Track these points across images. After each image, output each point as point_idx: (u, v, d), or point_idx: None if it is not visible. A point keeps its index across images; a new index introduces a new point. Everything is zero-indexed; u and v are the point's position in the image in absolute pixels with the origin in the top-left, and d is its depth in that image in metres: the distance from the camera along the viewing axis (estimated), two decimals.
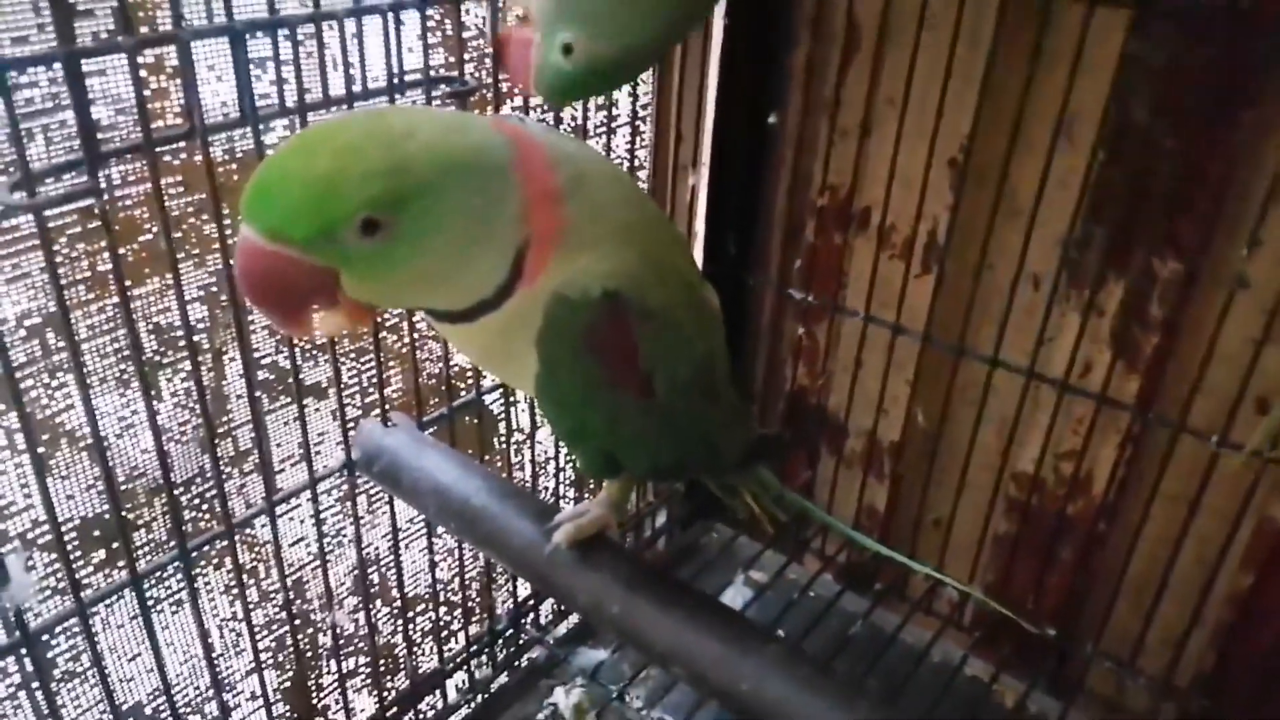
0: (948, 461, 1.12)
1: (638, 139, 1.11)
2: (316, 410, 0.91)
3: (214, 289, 0.80)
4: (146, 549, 0.83)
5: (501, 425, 1.09)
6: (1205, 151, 0.87)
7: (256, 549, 0.91)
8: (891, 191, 1.04)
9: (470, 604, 1.11)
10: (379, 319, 0.89)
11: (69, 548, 0.77)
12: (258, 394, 0.86)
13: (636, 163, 1.12)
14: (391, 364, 0.96)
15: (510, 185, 0.54)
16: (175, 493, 0.82)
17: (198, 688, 0.90)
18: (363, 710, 1.03)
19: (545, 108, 0.96)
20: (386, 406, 0.86)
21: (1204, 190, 0.88)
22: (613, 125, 1.05)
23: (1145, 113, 0.89)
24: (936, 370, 1.09)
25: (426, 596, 1.06)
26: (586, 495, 1.25)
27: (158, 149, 0.63)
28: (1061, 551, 1.08)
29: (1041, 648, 1.10)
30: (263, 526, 0.86)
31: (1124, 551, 1.01)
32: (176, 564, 0.75)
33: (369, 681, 1.03)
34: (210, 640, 0.83)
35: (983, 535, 1.12)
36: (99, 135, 0.68)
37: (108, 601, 0.76)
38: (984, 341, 1.03)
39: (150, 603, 0.83)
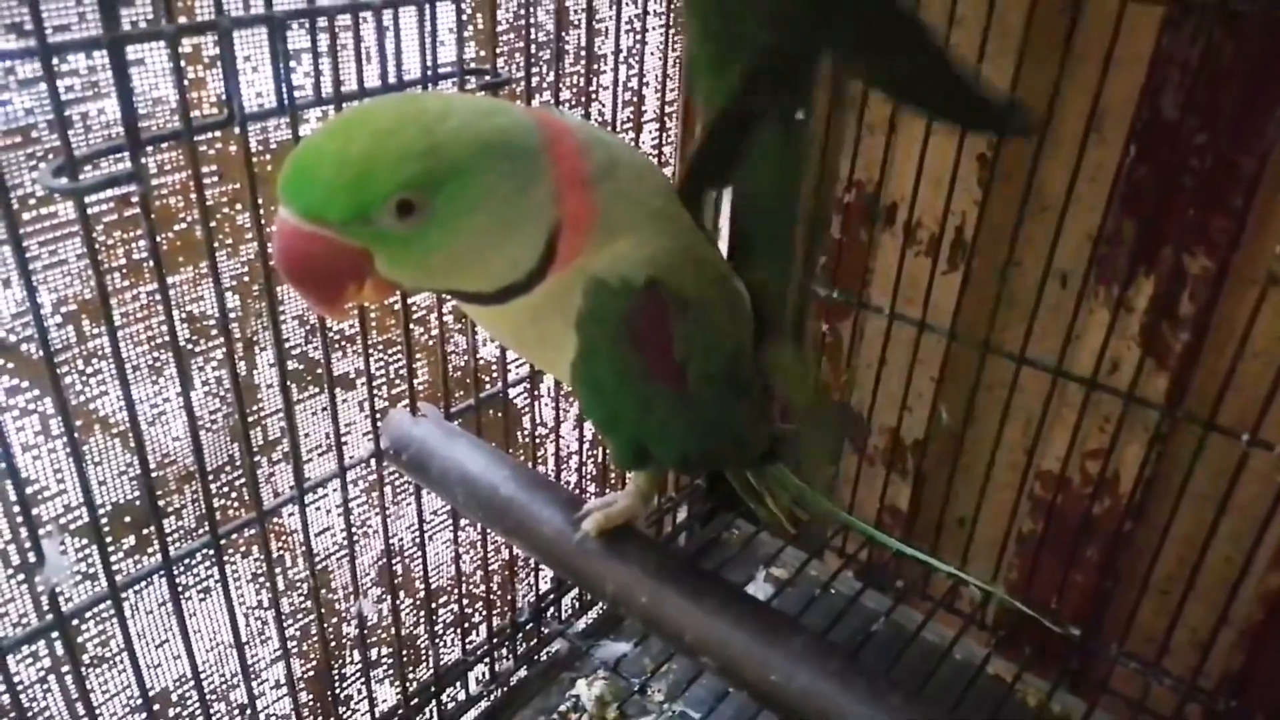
0: (972, 460, 1.11)
1: (664, 135, 1.11)
2: (344, 401, 0.91)
3: (246, 279, 0.81)
4: (176, 536, 0.84)
5: (526, 419, 1.09)
6: (1237, 147, 0.86)
7: (284, 537, 0.91)
8: (919, 187, 1.04)
9: (492, 596, 1.11)
10: (408, 311, 0.89)
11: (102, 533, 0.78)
12: (289, 383, 0.87)
13: (663, 158, 1.12)
14: (418, 356, 0.96)
15: (542, 169, 0.54)
16: (207, 480, 0.83)
17: (223, 675, 0.91)
18: (385, 701, 1.03)
19: (574, 103, 0.97)
20: (407, 399, 0.86)
21: (1235, 186, 0.87)
22: (641, 120, 1.05)
23: (1177, 109, 0.88)
24: (962, 368, 1.08)
25: (450, 588, 1.06)
26: (609, 489, 1.25)
27: (196, 137, 0.63)
28: (1087, 551, 1.08)
29: (1065, 648, 1.09)
30: (290, 515, 0.87)
31: (1150, 551, 1.01)
32: (206, 550, 0.76)
33: (391, 672, 1.04)
34: (238, 627, 0.84)
35: (1007, 534, 1.12)
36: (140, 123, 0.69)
37: (138, 587, 0.77)
38: (1011, 339, 1.03)
39: (180, 589, 0.84)
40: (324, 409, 0.85)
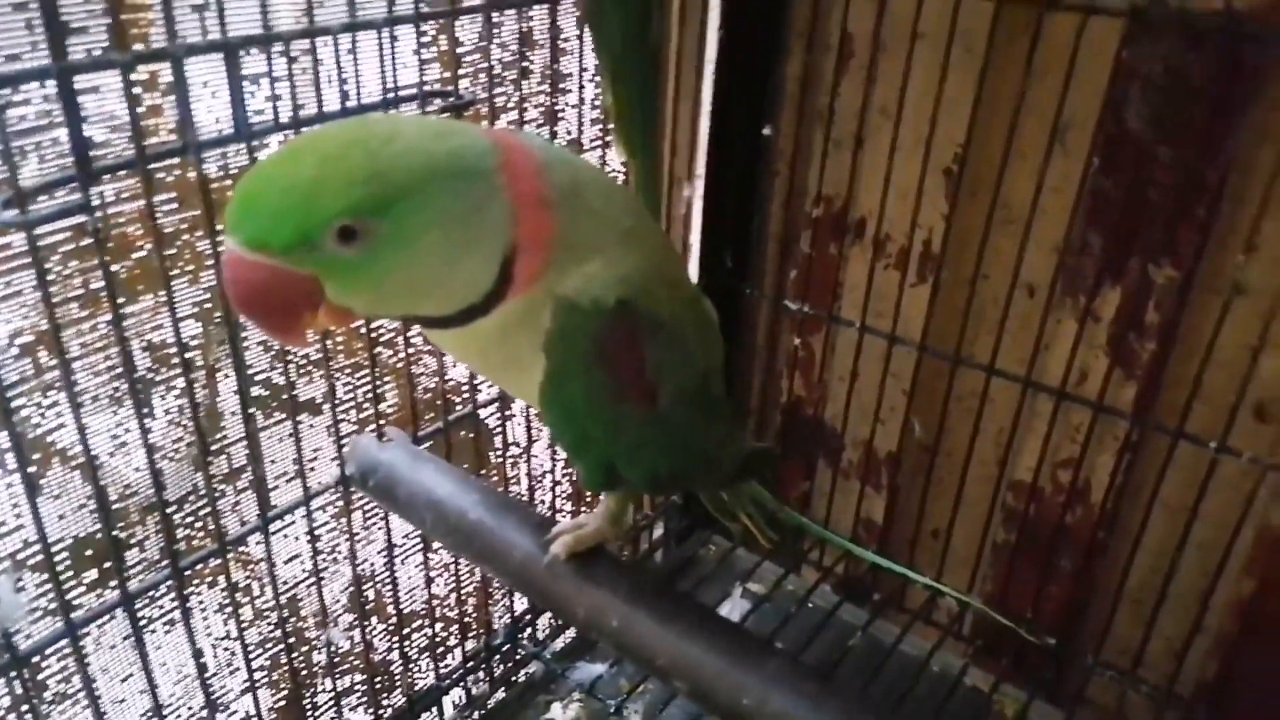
0: (945, 472, 1.11)
1: None
2: (311, 426, 0.90)
3: (208, 305, 0.80)
4: (140, 567, 0.83)
5: (497, 439, 1.09)
6: (1200, 158, 0.87)
7: (251, 566, 0.90)
8: (886, 202, 1.04)
9: (467, 619, 1.10)
10: (373, 334, 0.88)
11: (61, 568, 0.77)
12: (252, 410, 0.86)
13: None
14: (387, 379, 0.96)
15: (495, 190, 0.53)
16: (168, 511, 0.82)
17: (191, 708, 0.89)
18: None
19: (540, 123, 0.97)
20: (382, 421, 0.85)
21: (1200, 197, 0.88)
22: (608, 139, 1.05)
23: (1140, 121, 0.89)
24: (933, 380, 1.09)
25: (423, 612, 1.05)
26: (583, 510, 1.24)
27: (151, 165, 0.62)
28: (1061, 561, 1.08)
29: (1042, 658, 1.09)
30: (257, 544, 0.85)
31: (1124, 560, 1.01)
32: (169, 583, 0.74)
33: (365, 699, 1.02)
34: (203, 660, 0.82)
35: (981, 545, 1.12)
36: (94, 152, 0.68)
37: (101, 621, 0.75)
38: (980, 351, 1.03)
39: (144, 622, 0.83)
40: (290, 435, 0.83)
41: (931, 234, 1.05)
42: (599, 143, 1.03)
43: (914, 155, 1.00)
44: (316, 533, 0.89)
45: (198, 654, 0.79)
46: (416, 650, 1.07)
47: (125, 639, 0.80)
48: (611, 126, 0.88)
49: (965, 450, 1.07)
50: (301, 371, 0.88)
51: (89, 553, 0.78)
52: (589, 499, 1.23)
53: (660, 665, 0.66)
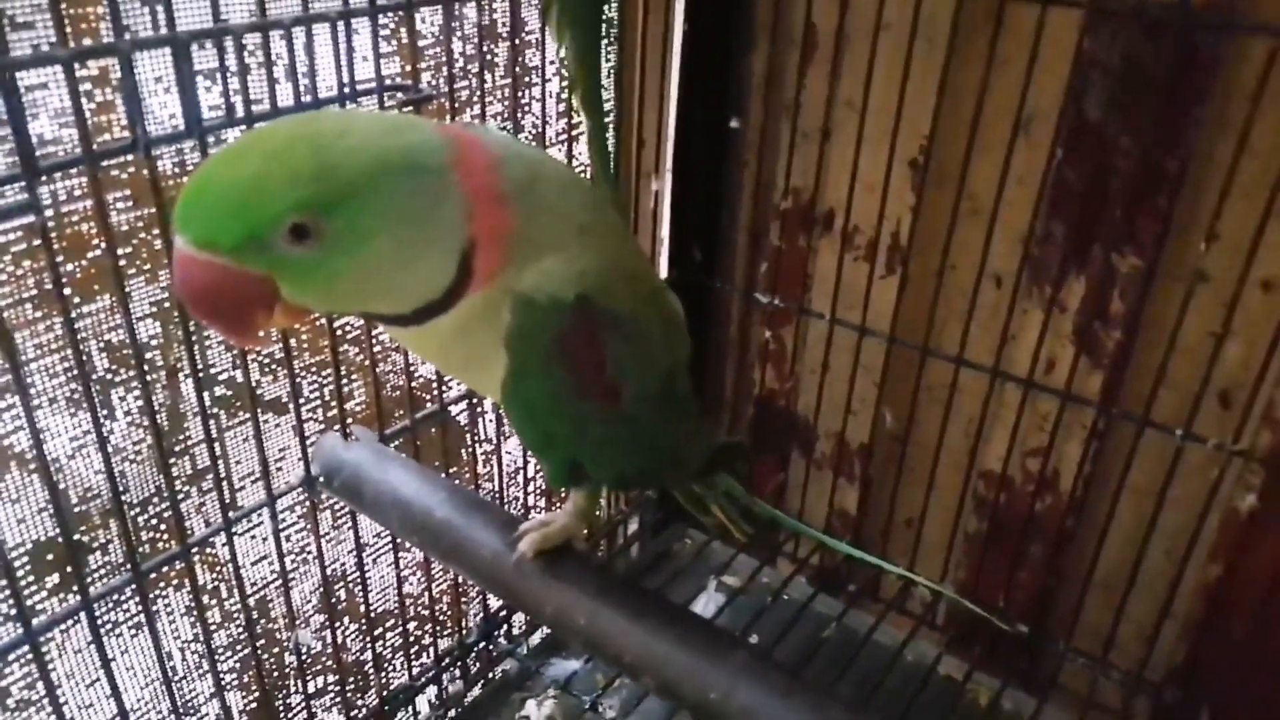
0: (917, 461, 1.12)
1: None
2: (277, 426, 0.90)
3: (167, 304, 0.79)
4: (104, 571, 0.82)
5: (469, 436, 1.08)
6: (1161, 148, 0.87)
7: (218, 568, 0.89)
8: (854, 194, 1.04)
9: (440, 617, 1.10)
10: (338, 331, 0.88)
11: (21, 573, 0.76)
12: (215, 410, 0.85)
13: None
14: (355, 376, 0.95)
15: (449, 186, 0.53)
16: (131, 513, 0.81)
17: (160, 712, 0.88)
18: None
19: (504, 117, 0.96)
20: (348, 420, 0.85)
21: (1161, 186, 0.89)
22: (574, 134, 1.04)
23: (1101, 111, 0.90)
24: (903, 371, 1.09)
25: (396, 611, 1.05)
26: (556, 505, 1.24)
27: (102, 163, 0.61)
28: (1031, 548, 1.08)
29: (1014, 645, 1.10)
30: (223, 545, 0.85)
31: (1093, 547, 1.02)
32: (132, 587, 0.74)
33: (338, 700, 1.02)
34: (172, 663, 0.81)
35: (953, 534, 1.12)
36: (46, 150, 0.67)
37: (65, 626, 0.74)
38: (949, 341, 1.03)
39: (109, 626, 0.82)
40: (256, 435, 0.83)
41: (899, 225, 1.05)
42: (564, 137, 1.03)
43: (880, 147, 1.00)
44: (284, 533, 0.88)
45: (166, 657, 0.78)
46: (390, 649, 1.06)
47: (91, 643, 0.79)
48: (569, 85, 0.87)
49: (936, 440, 1.08)
50: (266, 370, 0.87)
51: (50, 557, 0.77)
52: (562, 495, 1.22)
53: (628, 662, 0.66)
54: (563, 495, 1.21)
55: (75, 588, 0.76)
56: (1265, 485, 0.92)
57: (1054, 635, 1.09)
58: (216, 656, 0.88)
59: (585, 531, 0.74)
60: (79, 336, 0.73)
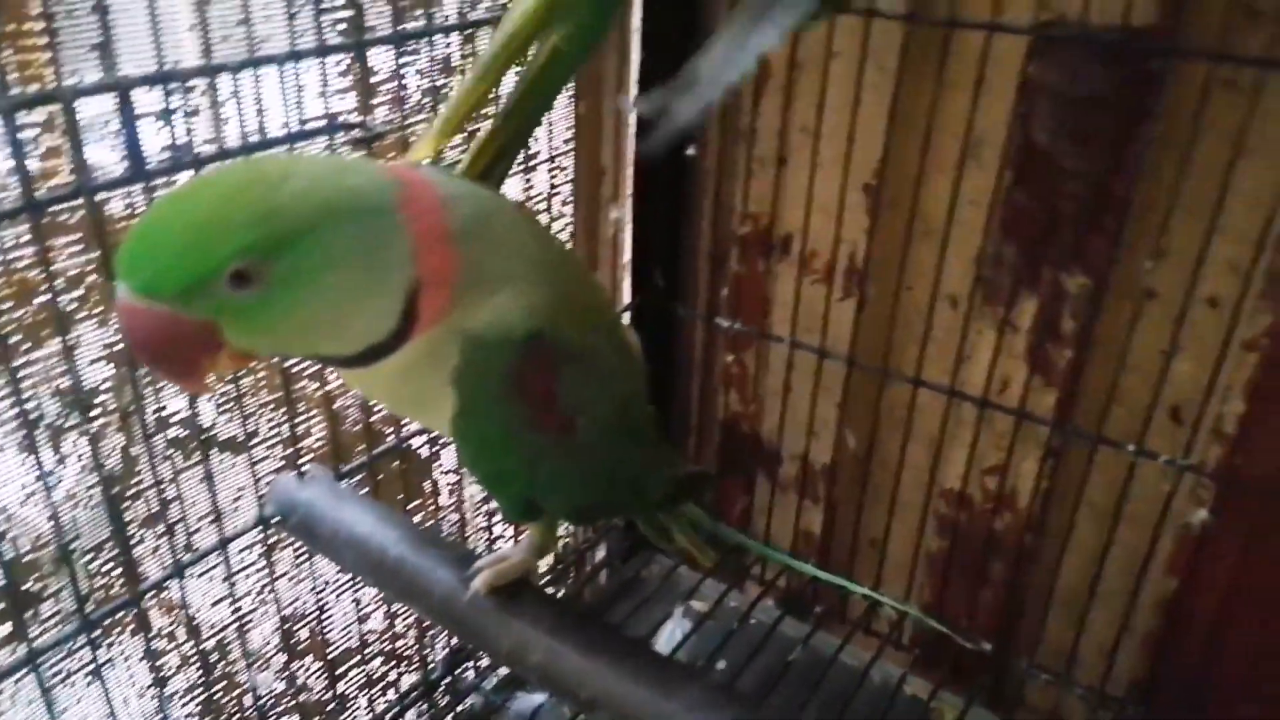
0: (879, 482, 1.12)
1: (560, 175, 1.10)
2: (233, 466, 0.89)
3: (119, 347, 0.78)
4: (57, 619, 0.80)
5: (431, 468, 1.07)
6: (1107, 168, 0.89)
7: (174, 612, 0.88)
8: (810, 218, 1.05)
9: (404, 654, 1.09)
10: (291, 369, 0.87)
11: None
12: (171, 451, 0.84)
13: (563, 197, 1.12)
14: (313, 413, 0.94)
15: (394, 227, 0.53)
16: (85, 559, 0.80)
17: None
18: None
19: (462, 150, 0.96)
20: (303, 458, 0.84)
21: (1108, 206, 0.90)
22: (530, 164, 1.05)
23: (1046, 134, 0.91)
24: (863, 392, 1.10)
25: (358, 649, 1.04)
26: (521, 538, 1.23)
27: (46, 209, 0.61)
28: (993, 566, 1.09)
29: (979, 664, 1.10)
30: (179, 589, 0.84)
31: (1053, 563, 1.03)
32: (81, 636, 0.73)
33: None
34: (130, 710, 0.80)
35: (916, 553, 1.13)
36: None
37: (18, 678, 0.73)
38: (907, 362, 1.04)
39: (63, 675, 0.80)
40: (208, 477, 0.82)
41: (855, 249, 1.06)
42: (521, 168, 1.03)
43: (835, 172, 1.01)
44: (243, 573, 0.87)
45: (124, 704, 0.77)
46: (355, 688, 1.05)
47: (45, 693, 0.78)
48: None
49: (897, 460, 1.09)
50: (222, 410, 0.87)
51: (1, 606, 0.76)
52: (523, 527, 1.22)
53: (584, 698, 0.66)
54: (523, 527, 1.20)
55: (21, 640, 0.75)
56: (1216, 499, 0.93)
57: (1018, 652, 1.09)
58: (177, 700, 0.86)
59: (546, 563, 0.74)
60: (32, 381, 0.72)
